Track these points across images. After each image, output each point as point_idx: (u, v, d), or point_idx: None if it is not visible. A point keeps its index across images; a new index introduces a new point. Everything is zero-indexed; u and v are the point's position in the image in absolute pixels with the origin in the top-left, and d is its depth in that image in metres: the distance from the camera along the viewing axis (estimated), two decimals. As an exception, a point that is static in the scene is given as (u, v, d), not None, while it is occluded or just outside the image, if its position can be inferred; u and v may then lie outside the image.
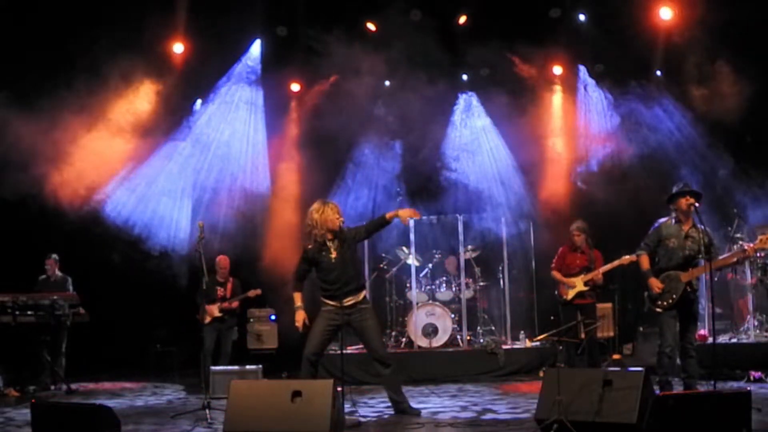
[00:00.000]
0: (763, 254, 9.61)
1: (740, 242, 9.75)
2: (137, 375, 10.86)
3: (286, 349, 11.34)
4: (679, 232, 7.08)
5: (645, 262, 7.19)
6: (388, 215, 7.07)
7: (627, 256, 8.62)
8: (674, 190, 7.22)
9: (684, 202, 7.03)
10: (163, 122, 11.81)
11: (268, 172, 12.54)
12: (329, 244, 6.93)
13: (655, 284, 7.02)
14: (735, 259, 7.30)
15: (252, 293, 9.83)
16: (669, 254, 7.09)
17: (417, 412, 7.02)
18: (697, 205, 6.96)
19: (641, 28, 11.14)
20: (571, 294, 9.07)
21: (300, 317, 7.03)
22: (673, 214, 7.20)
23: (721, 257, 7.21)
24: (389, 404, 7.22)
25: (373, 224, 7.28)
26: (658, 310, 7.08)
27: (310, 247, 7.01)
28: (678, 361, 7.45)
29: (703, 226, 6.99)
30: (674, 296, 6.98)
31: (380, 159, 12.44)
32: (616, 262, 8.85)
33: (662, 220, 7.28)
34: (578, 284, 9.06)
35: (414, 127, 12.25)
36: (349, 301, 6.93)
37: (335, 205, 7.04)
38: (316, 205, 6.99)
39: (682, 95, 11.66)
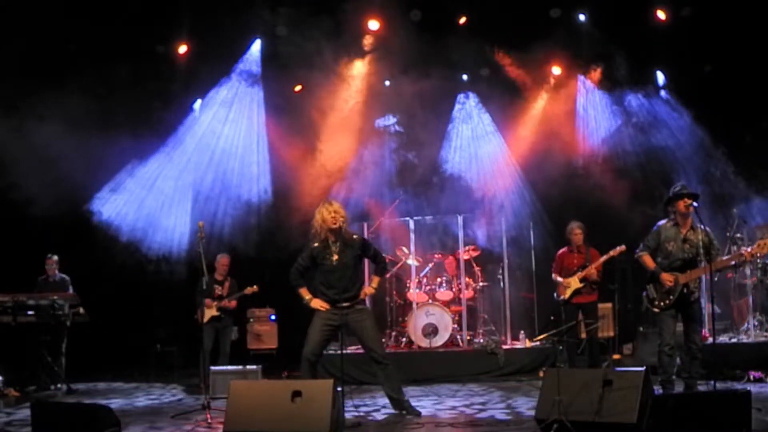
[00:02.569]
0: (762, 255, 9.61)
1: (740, 243, 9.78)
2: (137, 375, 10.86)
3: (286, 349, 11.34)
4: (677, 236, 7.08)
5: (649, 261, 7.18)
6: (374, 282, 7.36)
7: (617, 248, 8.69)
8: (671, 192, 7.22)
9: (682, 204, 7.02)
10: (163, 122, 11.81)
11: (268, 171, 12.54)
12: (332, 246, 6.94)
13: (667, 278, 6.99)
14: (733, 263, 7.28)
15: (249, 290, 9.82)
16: (667, 257, 7.11)
17: (417, 413, 7.02)
18: (695, 205, 6.94)
19: (641, 28, 11.14)
20: (568, 293, 9.07)
21: (317, 302, 6.99)
22: (672, 216, 7.19)
23: (719, 259, 7.17)
24: (389, 404, 7.22)
25: (377, 260, 7.35)
26: (656, 310, 7.12)
27: (315, 245, 7.04)
28: (678, 360, 7.45)
29: (703, 227, 7.00)
30: (671, 297, 7.01)
31: (380, 159, 12.43)
32: (606, 256, 8.87)
33: (661, 222, 7.27)
34: (573, 283, 9.07)
35: (414, 127, 12.25)
36: (345, 303, 6.93)
37: (338, 205, 7.05)
38: (320, 206, 7.04)
39: (681, 95, 11.67)
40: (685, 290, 6.99)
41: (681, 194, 7.06)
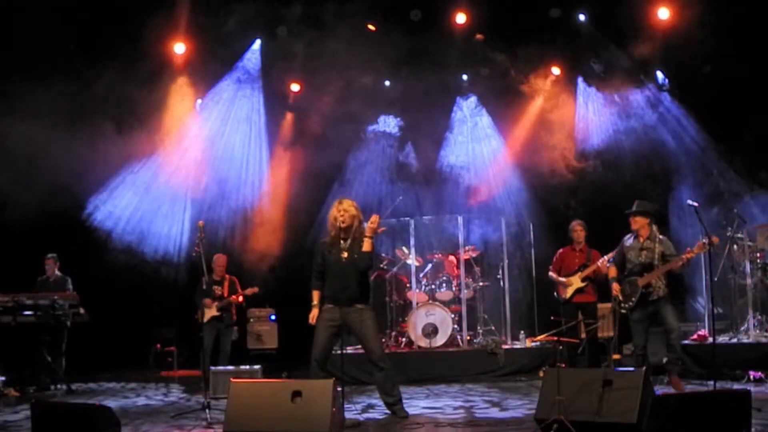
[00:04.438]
0: (762, 254, 9.64)
1: (740, 242, 9.80)
2: (137, 375, 10.85)
3: (286, 349, 11.35)
4: (636, 245, 8.04)
5: (612, 272, 8.29)
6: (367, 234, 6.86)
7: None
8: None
9: (631, 222, 8.04)
10: (163, 122, 11.82)
11: (267, 171, 12.55)
12: (342, 242, 6.93)
13: (615, 288, 8.09)
14: (679, 264, 7.85)
15: (249, 291, 9.82)
16: (630, 264, 8.07)
17: (404, 415, 6.96)
18: (694, 202, 7.34)
19: (641, 28, 11.15)
20: (569, 292, 9.07)
21: (313, 314, 6.98)
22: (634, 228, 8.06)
23: (671, 263, 7.84)
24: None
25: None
26: (623, 311, 8.00)
27: (324, 240, 7.06)
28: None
29: (663, 237, 8.00)
30: (633, 299, 7.91)
31: (380, 159, 12.45)
32: (610, 254, 8.83)
33: (627, 236, 8.18)
34: (575, 282, 9.06)
35: (413, 127, 12.27)
36: (346, 302, 6.90)
37: (349, 203, 7.00)
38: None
39: (680, 95, 11.68)
40: (644, 290, 7.84)
41: (628, 214, 8.05)
